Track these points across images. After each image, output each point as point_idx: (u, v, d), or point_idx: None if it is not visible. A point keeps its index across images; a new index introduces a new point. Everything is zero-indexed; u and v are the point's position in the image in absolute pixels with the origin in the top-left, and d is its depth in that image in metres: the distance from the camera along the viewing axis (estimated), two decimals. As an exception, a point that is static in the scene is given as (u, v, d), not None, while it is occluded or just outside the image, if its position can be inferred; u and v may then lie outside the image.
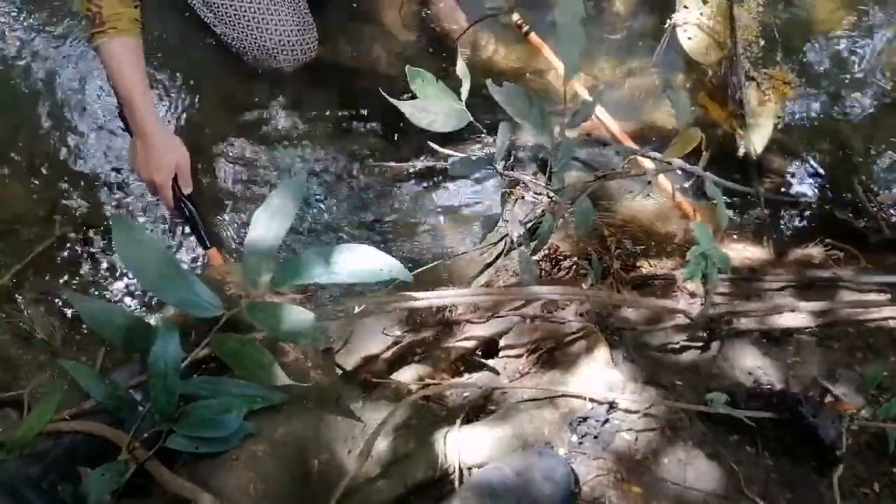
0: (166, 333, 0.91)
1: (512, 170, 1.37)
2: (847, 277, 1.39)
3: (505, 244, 1.55)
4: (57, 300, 1.48)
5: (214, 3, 1.64)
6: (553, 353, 1.26)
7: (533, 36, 1.89)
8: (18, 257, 1.53)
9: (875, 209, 1.62)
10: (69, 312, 1.46)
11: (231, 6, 1.63)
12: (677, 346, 1.26)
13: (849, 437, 1.06)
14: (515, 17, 1.91)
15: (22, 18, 1.87)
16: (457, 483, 1.05)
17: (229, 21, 1.66)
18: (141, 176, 1.44)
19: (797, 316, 1.28)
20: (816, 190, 1.76)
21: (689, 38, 1.93)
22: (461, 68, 1.16)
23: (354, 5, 1.95)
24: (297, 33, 1.69)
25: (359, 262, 0.94)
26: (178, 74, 1.82)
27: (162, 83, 1.79)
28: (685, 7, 1.96)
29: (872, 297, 1.35)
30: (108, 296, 1.53)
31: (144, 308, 1.54)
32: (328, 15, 1.89)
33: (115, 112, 1.49)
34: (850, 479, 1.05)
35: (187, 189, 1.46)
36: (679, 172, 1.61)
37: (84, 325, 1.43)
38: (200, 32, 1.76)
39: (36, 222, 1.59)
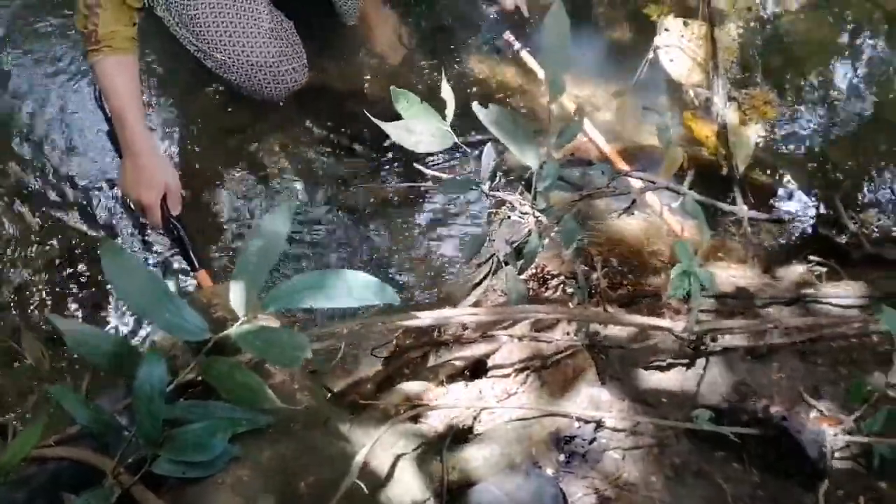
0: (152, 358, 0.91)
1: (498, 190, 1.38)
2: (830, 293, 1.41)
3: (492, 264, 1.56)
4: (43, 324, 1.48)
5: (202, 36, 1.66)
6: (541, 372, 1.26)
7: (524, 53, 1.92)
8: (5, 281, 1.52)
9: (856, 225, 1.65)
10: (55, 336, 1.46)
11: (219, 39, 1.65)
12: (664, 363, 1.27)
13: (834, 452, 1.06)
14: (507, 35, 1.94)
15: (15, 41, 1.88)
16: (445, 504, 1.04)
17: (217, 52, 1.67)
18: (130, 196, 1.44)
19: (781, 332, 1.29)
20: (799, 207, 1.79)
21: (671, 60, 1.97)
22: (446, 90, 1.18)
23: (341, 28, 1.98)
24: (286, 62, 1.71)
25: (347, 287, 0.94)
26: (168, 98, 1.83)
27: (152, 107, 1.80)
28: (666, 30, 2.00)
29: (855, 312, 1.36)
30: (95, 320, 1.53)
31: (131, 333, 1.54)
32: (316, 39, 1.92)
33: (105, 134, 1.50)
34: (836, 493, 1.05)
35: (176, 210, 1.46)
36: (665, 191, 1.63)
37: (69, 350, 1.43)
38: (190, 58, 1.78)
39: (24, 246, 1.59)
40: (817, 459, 1.04)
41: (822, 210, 1.77)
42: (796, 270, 1.55)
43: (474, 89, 1.94)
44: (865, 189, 1.82)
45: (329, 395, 1.28)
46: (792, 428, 1.06)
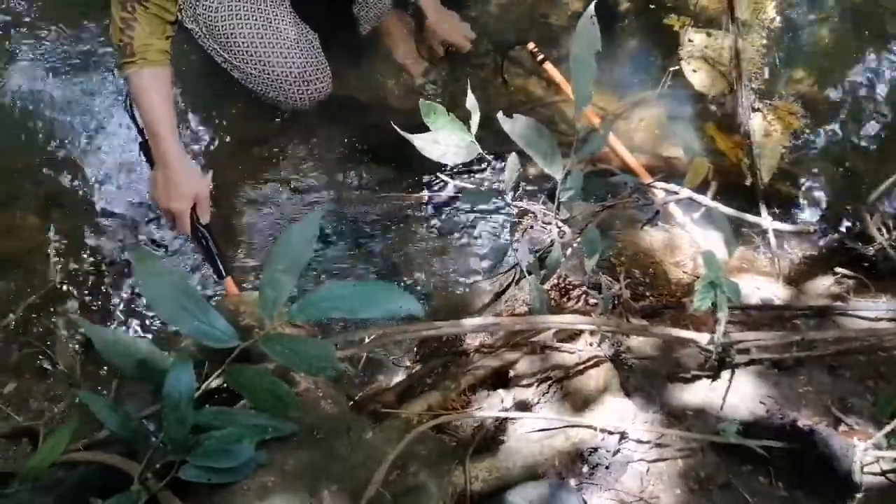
0: (180, 364, 0.92)
1: (521, 200, 1.38)
2: (857, 306, 1.39)
3: (515, 274, 1.56)
4: (73, 331, 1.50)
5: (229, 47, 1.68)
6: (563, 382, 1.25)
7: (548, 65, 1.92)
8: (34, 289, 1.55)
9: (884, 237, 1.62)
10: (86, 343, 1.48)
11: (246, 51, 1.68)
12: (688, 375, 1.26)
13: (863, 467, 1.04)
14: (531, 45, 1.94)
15: (39, 56, 1.92)
16: (468, 514, 1.04)
17: (244, 62, 1.70)
18: (160, 205, 1.46)
19: (808, 345, 1.28)
20: (825, 218, 1.77)
21: (695, 71, 1.96)
22: (470, 102, 1.19)
23: (364, 41, 1.99)
24: (311, 73, 1.73)
25: (373, 297, 0.95)
26: (194, 109, 1.86)
27: (180, 118, 1.83)
28: (690, 41, 1.99)
29: (883, 325, 1.34)
30: (124, 327, 1.55)
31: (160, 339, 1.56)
32: (340, 51, 1.94)
33: (134, 144, 1.53)
34: (867, 510, 1.04)
35: (205, 219, 1.48)
36: (688, 202, 1.62)
37: (98, 356, 1.45)
38: (217, 69, 1.81)
39: (58, 252, 1.62)
40: (846, 474, 1.02)
41: (849, 221, 1.75)
42: (823, 282, 1.54)
43: (497, 100, 1.95)
44: (893, 199, 1.79)
45: (351, 403, 1.29)
46: (820, 442, 1.04)
